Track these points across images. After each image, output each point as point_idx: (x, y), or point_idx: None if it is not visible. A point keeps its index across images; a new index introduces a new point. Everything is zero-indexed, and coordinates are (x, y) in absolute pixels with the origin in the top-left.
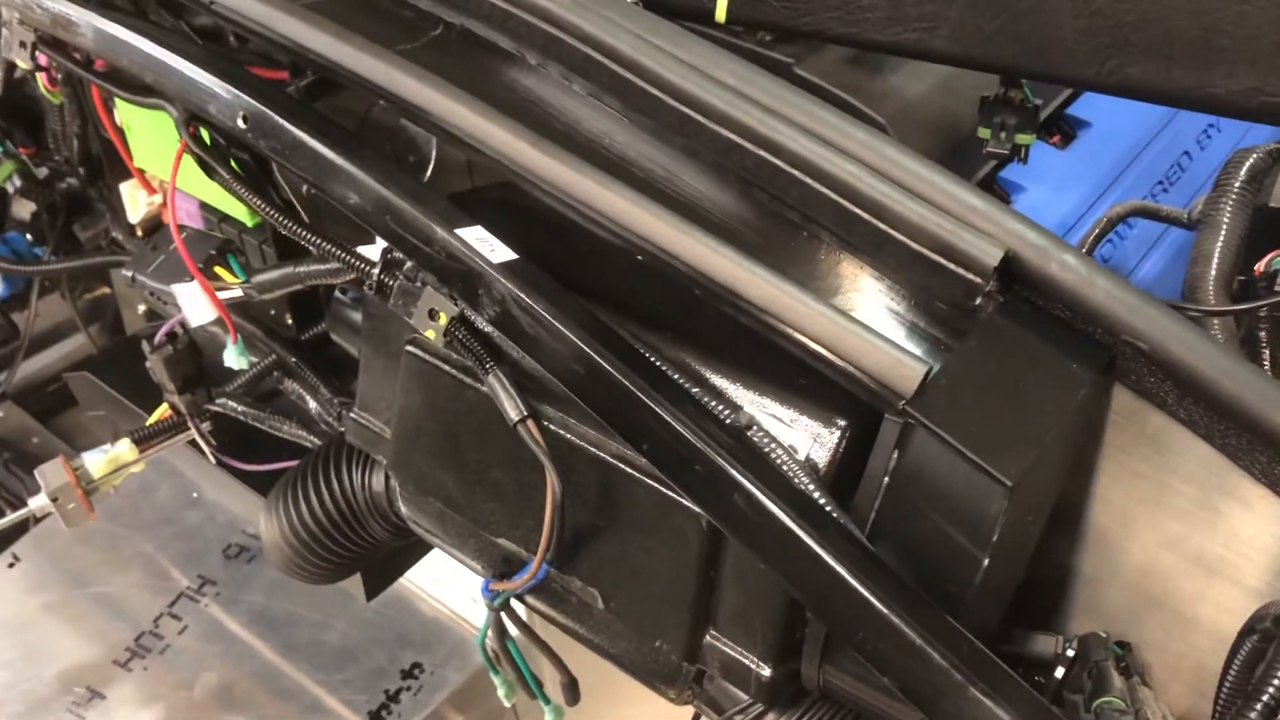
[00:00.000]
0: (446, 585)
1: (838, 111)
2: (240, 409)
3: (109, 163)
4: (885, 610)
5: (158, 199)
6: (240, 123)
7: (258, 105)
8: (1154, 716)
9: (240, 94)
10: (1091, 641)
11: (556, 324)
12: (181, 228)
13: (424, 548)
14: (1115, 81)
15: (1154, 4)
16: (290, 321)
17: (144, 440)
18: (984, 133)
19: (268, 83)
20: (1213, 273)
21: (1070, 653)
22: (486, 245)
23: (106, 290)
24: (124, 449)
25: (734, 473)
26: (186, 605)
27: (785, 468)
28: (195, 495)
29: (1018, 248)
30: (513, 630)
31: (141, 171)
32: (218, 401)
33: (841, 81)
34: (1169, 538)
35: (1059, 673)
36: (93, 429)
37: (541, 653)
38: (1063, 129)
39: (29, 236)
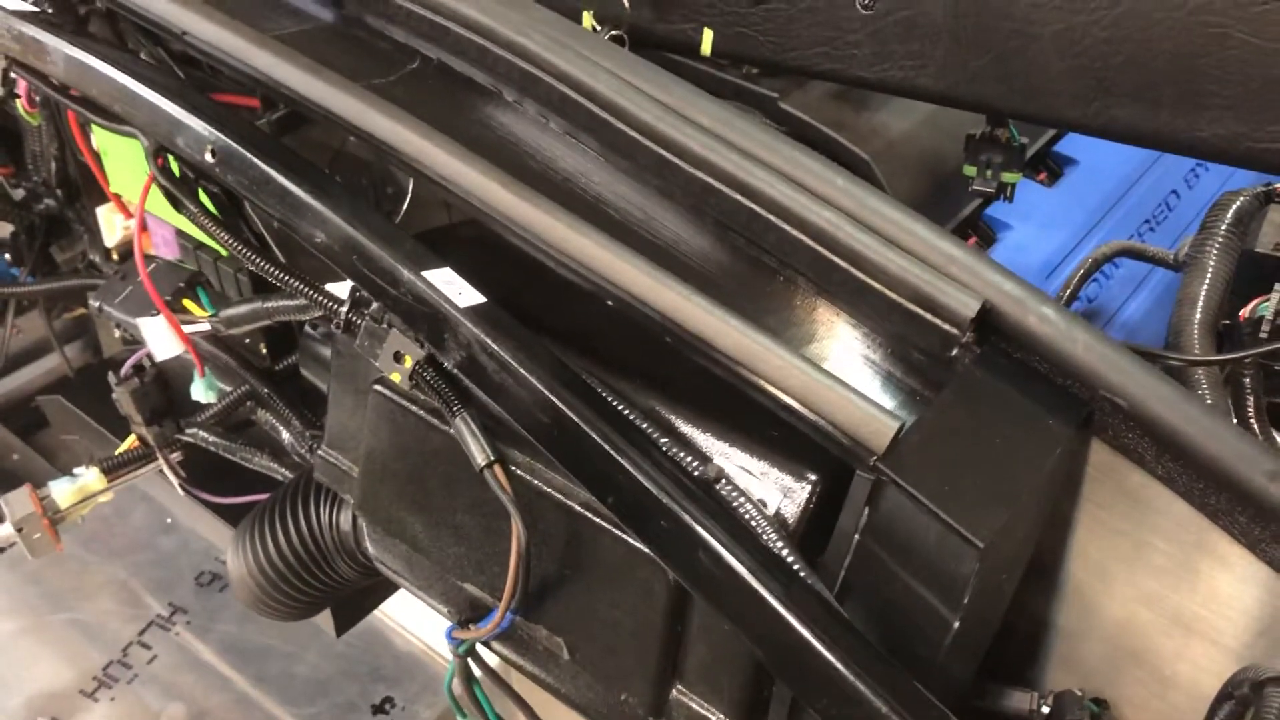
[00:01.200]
0: (420, 618)
1: (818, 156)
2: (212, 440)
3: (86, 186)
4: (850, 676)
5: (133, 223)
6: (208, 156)
7: (226, 139)
8: None
9: (208, 127)
10: (1067, 700)
11: (522, 371)
12: (153, 258)
13: (393, 585)
14: (1100, 123)
15: (1140, 48)
16: (265, 351)
17: (112, 470)
18: (970, 170)
19: (237, 117)
20: (1198, 317)
21: (1045, 709)
22: (454, 288)
23: (85, 311)
24: (92, 478)
25: (699, 529)
26: (157, 634)
27: (753, 523)
28: (169, 521)
29: (996, 299)
30: (480, 674)
31: (118, 196)
32: (189, 432)
33: (826, 117)
34: (1147, 595)
35: None
36: (73, 447)
37: (509, 699)
38: (1049, 167)
39: (8, 257)
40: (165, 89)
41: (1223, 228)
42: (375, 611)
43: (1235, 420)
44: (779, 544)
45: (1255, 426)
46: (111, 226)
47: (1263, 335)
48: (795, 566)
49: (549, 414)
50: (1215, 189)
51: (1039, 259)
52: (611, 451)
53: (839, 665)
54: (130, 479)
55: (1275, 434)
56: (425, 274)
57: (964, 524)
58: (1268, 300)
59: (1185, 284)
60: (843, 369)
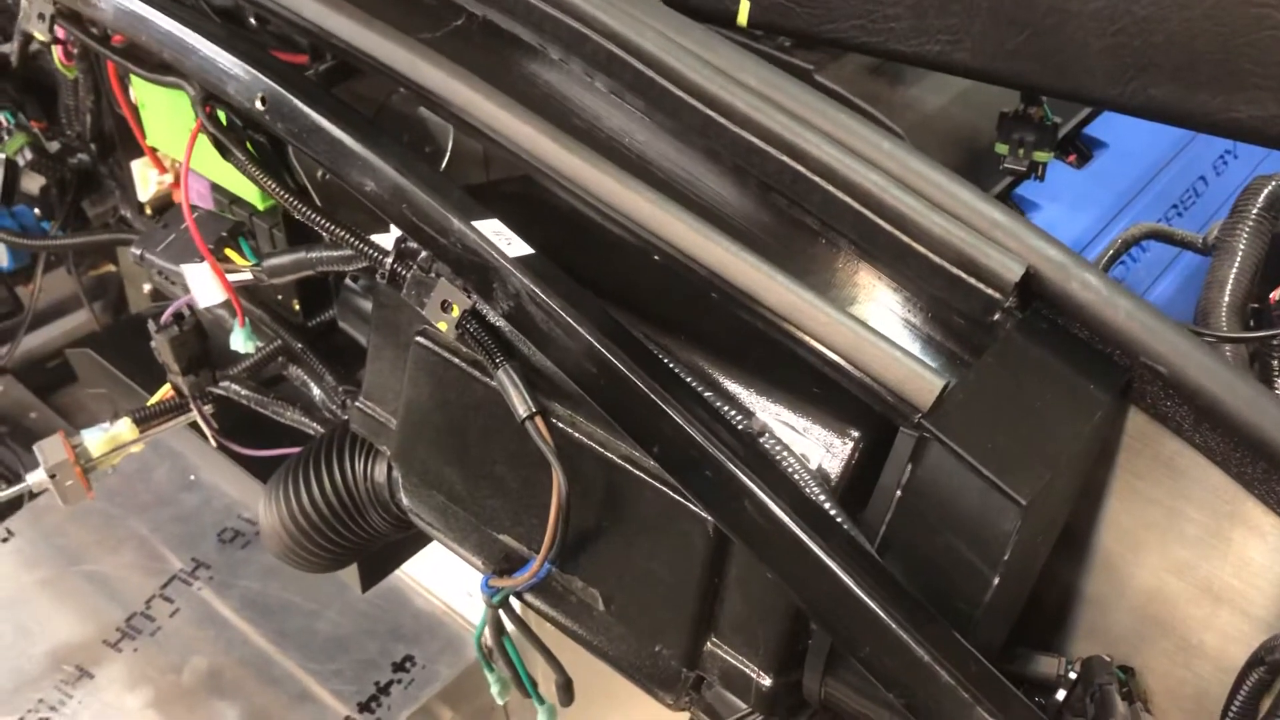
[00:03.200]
0: (442, 579)
1: (862, 119)
2: (244, 393)
3: (121, 140)
4: (893, 625)
5: (168, 178)
6: (259, 104)
7: (277, 87)
8: None
9: (259, 75)
10: (1096, 665)
11: (571, 321)
12: (193, 208)
13: (421, 540)
14: (1138, 102)
15: (1179, 26)
16: (298, 307)
17: (144, 420)
18: (1001, 148)
19: (287, 65)
20: (1226, 299)
21: (1073, 675)
22: (503, 239)
23: (112, 268)
24: (124, 428)
25: (744, 479)
26: (179, 588)
27: (796, 476)
28: (193, 478)
29: (1038, 264)
30: (509, 628)
31: (154, 150)
32: (221, 385)
33: (861, 90)
34: (1177, 564)
35: (1060, 694)
36: (91, 406)
37: (538, 652)
38: (1079, 148)
39: (37, 211)
40: (217, 37)
41: (1254, 211)
42: (397, 572)
43: None
44: (822, 498)
45: None
46: (145, 181)
47: None
48: (838, 519)
49: (597, 364)
50: (1244, 175)
51: (1067, 239)
52: (659, 402)
53: (882, 615)
54: (162, 430)
55: None
56: (474, 224)
57: (1007, 481)
58: None
59: (1214, 267)
60: (886, 330)
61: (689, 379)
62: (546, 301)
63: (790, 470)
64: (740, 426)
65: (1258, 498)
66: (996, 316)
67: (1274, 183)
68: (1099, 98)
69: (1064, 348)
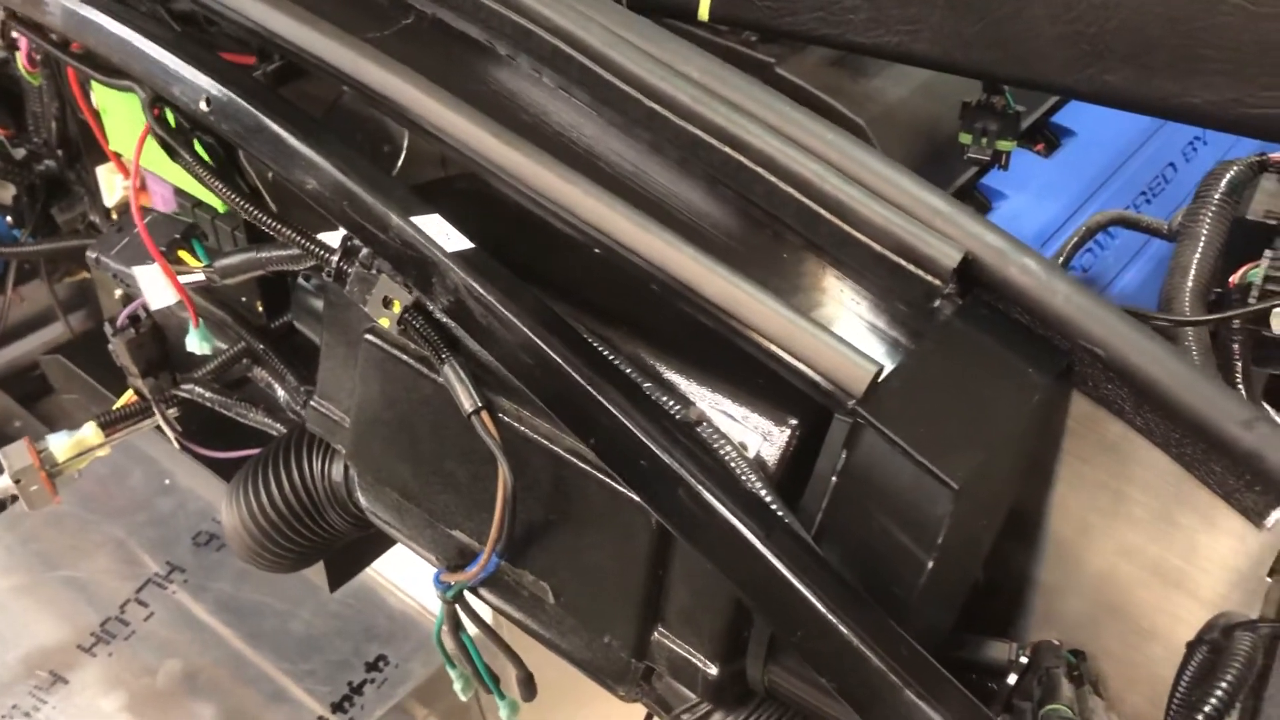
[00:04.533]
0: (415, 579)
1: (805, 110)
2: (208, 395)
3: (86, 146)
4: (824, 610)
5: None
6: (204, 105)
7: (220, 88)
8: None
9: (204, 77)
10: (1044, 649)
11: (507, 313)
12: (150, 210)
13: (389, 540)
14: (1094, 89)
15: (1134, 12)
16: (261, 309)
17: (110, 425)
18: (965, 138)
19: (232, 66)
20: (1189, 284)
21: (1024, 660)
22: (442, 234)
23: (87, 275)
24: (89, 433)
25: (678, 468)
26: (154, 592)
27: (732, 464)
28: (168, 482)
29: (977, 250)
30: (471, 625)
31: (118, 155)
32: (184, 387)
33: (823, 83)
34: (1127, 547)
35: (1012, 679)
36: (75, 414)
37: (497, 647)
38: (1047, 137)
39: (9, 219)
40: (162, 40)
41: (1216, 196)
42: (370, 571)
43: None
44: (757, 485)
45: (1241, 391)
46: (111, 186)
47: (1252, 301)
48: (773, 506)
49: (533, 356)
50: (1213, 162)
51: (1033, 228)
52: (594, 392)
53: (813, 599)
54: (127, 434)
55: (1265, 405)
56: (414, 219)
57: (939, 466)
58: (1257, 267)
59: (1178, 252)
60: (828, 319)
61: (628, 370)
62: (484, 295)
63: (727, 458)
64: (678, 416)
65: (1199, 479)
66: (937, 303)
67: (1236, 168)
68: (1057, 85)
69: (1002, 332)
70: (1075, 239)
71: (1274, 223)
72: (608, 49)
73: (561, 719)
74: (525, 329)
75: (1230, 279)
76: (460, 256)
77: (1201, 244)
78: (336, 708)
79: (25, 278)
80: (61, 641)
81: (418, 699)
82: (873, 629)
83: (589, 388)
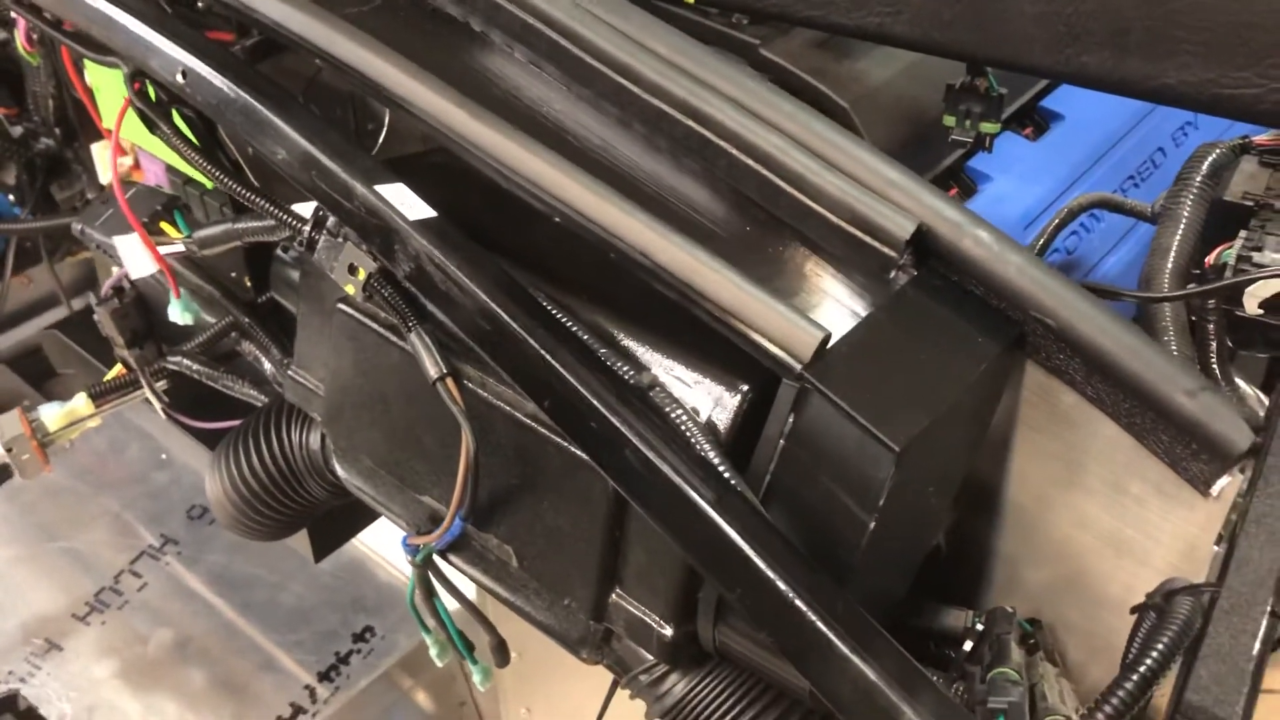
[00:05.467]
0: (403, 552)
1: (768, 85)
2: (195, 367)
3: (82, 124)
4: (763, 565)
5: (128, 160)
6: (179, 78)
7: (195, 61)
8: (1050, 691)
9: (180, 49)
10: (998, 615)
11: (465, 279)
12: (131, 184)
13: (373, 511)
14: (1072, 70)
15: None
16: (249, 283)
17: (100, 396)
18: (949, 120)
19: (208, 40)
20: (1169, 265)
21: (980, 627)
22: (405, 202)
23: (89, 255)
24: (80, 403)
25: (626, 430)
26: (148, 563)
27: (684, 428)
28: (164, 456)
29: (932, 222)
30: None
31: (111, 132)
32: (172, 360)
33: (807, 64)
34: (1082, 517)
35: (968, 645)
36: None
37: (468, 612)
38: (1035, 120)
39: (11, 197)
40: (141, 14)
41: (1197, 179)
42: (358, 543)
43: (1198, 364)
44: (706, 448)
45: (1216, 369)
46: (105, 163)
47: (1226, 280)
48: (720, 468)
49: (489, 321)
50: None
51: (1018, 210)
52: (547, 356)
53: (752, 554)
54: (117, 405)
55: (1239, 381)
56: (378, 188)
57: (881, 429)
58: (1231, 247)
59: (1159, 234)
60: (787, 289)
61: (585, 336)
62: (442, 261)
63: (679, 422)
64: (631, 380)
65: (1149, 449)
66: (892, 274)
67: (1218, 150)
68: (1036, 66)
69: (956, 303)
70: (1056, 221)
71: (1250, 204)
72: (575, 24)
73: (548, 686)
74: (481, 293)
75: (1206, 260)
76: (421, 224)
77: (1182, 225)
78: (323, 677)
79: (33, 259)
80: (57, 610)
81: (404, 669)
82: (809, 585)
83: (542, 351)
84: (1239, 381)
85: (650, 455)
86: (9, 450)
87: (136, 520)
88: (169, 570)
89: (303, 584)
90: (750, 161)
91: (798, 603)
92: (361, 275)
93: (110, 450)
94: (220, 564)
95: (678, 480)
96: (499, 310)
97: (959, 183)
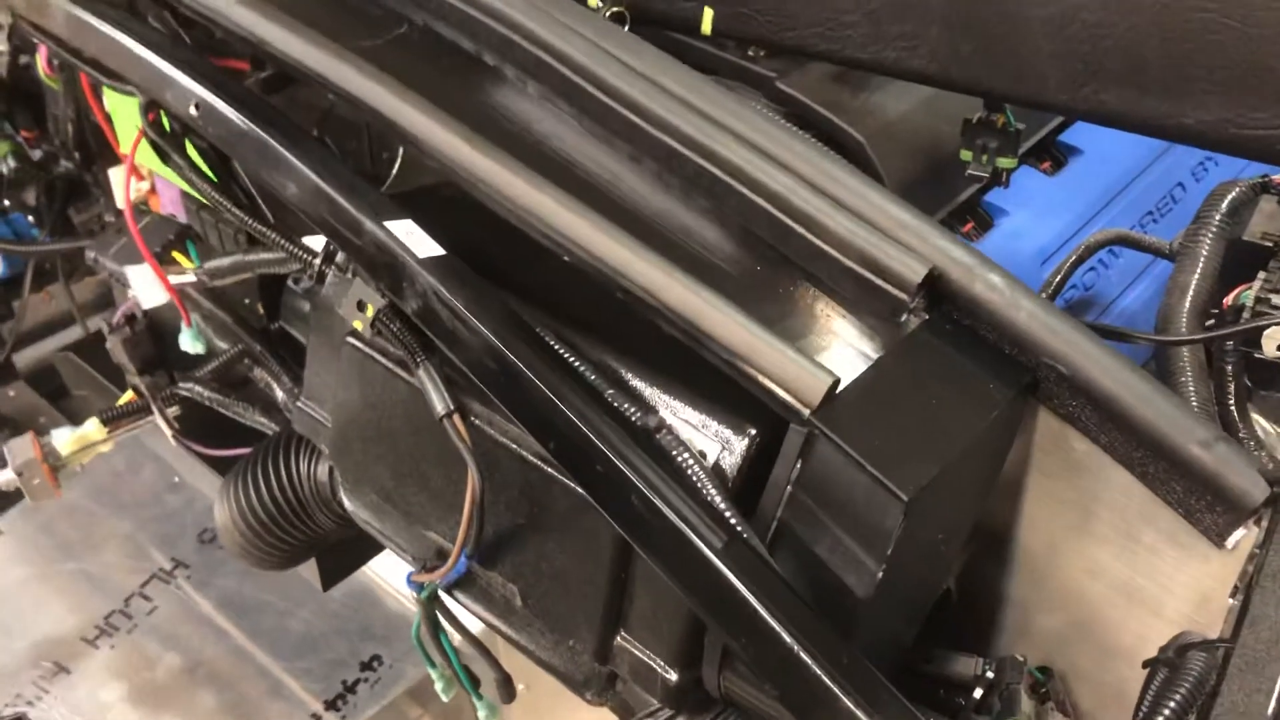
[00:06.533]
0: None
1: (780, 123)
2: (206, 394)
3: (100, 148)
4: (767, 617)
5: (145, 185)
6: (193, 110)
7: (209, 94)
8: None
9: (194, 82)
10: (1008, 664)
11: (472, 318)
12: (145, 211)
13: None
14: (1089, 107)
15: (1128, 31)
16: (262, 311)
17: (112, 420)
18: (966, 155)
19: (222, 72)
20: (1187, 304)
21: (990, 674)
22: (414, 239)
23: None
24: (92, 428)
25: (631, 474)
26: (158, 586)
27: (690, 471)
28: (177, 480)
29: (944, 265)
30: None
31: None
32: (184, 386)
33: (823, 98)
34: (1094, 565)
35: (978, 693)
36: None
37: (473, 648)
38: (1054, 155)
39: (31, 219)
40: (156, 46)
41: (1216, 217)
42: (368, 572)
43: (1216, 405)
44: (713, 492)
45: (1234, 411)
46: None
47: (1244, 321)
48: (726, 514)
49: (496, 360)
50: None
51: (1035, 246)
52: (553, 397)
53: (757, 606)
54: (129, 430)
55: (1260, 419)
56: (387, 224)
57: (890, 477)
58: (1250, 288)
59: (1176, 272)
60: (796, 331)
61: (592, 376)
62: (450, 299)
63: (685, 465)
64: (638, 422)
65: (1161, 498)
66: (903, 317)
67: (1238, 189)
68: (1054, 103)
69: (967, 348)
70: (1074, 257)
71: (1270, 244)
72: (588, 60)
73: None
74: (488, 333)
75: (1224, 300)
76: (429, 261)
77: (1201, 264)
78: (330, 705)
79: (52, 277)
80: (67, 632)
81: (413, 699)
82: (815, 637)
83: (548, 392)
84: (1259, 419)
85: (656, 501)
86: (20, 474)
87: (148, 542)
88: (179, 594)
89: (312, 611)
90: (760, 201)
91: (803, 656)
92: (370, 312)
93: (126, 472)
94: (230, 589)
95: (683, 527)
96: (505, 350)
97: (975, 217)
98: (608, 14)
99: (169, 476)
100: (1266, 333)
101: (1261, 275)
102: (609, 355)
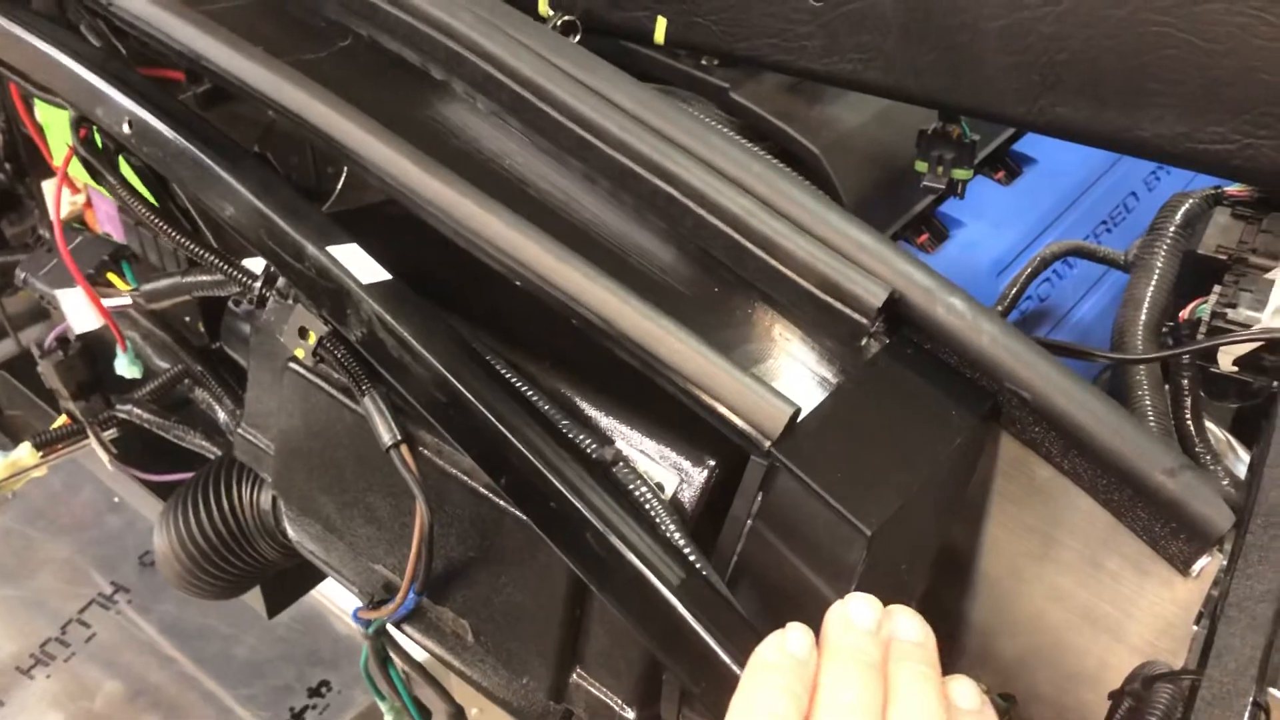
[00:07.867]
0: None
1: (736, 142)
2: (145, 416)
3: (33, 160)
4: (729, 661)
5: (80, 198)
6: (126, 128)
7: (142, 111)
8: None
9: (126, 99)
10: None
11: (418, 346)
12: (79, 229)
13: None
14: (1046, 120)
15: (1085, 44)
16: (202, 329)
17: (46, 444)
18: (921, 166)
19: (158, 87)
20: (1143, 318)
21: None
22: (358, 264)
23: None
24: (24, 453)
25: (586, 511)
26: (97, 612)
27: (648, 505)
28: (116, 500)
29: (904, 288)
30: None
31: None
32: (122, 408)
33: (778, 109)
34: (1057, 592)
35: None
36: (36, 426)
37: (424, 681)
38: (1008, 165)
39: None
40: (87, 59)
41: (1171, 229)
42: (315, 595)
43: (1173, 420)
44: (671, 528)
45: (1191, 426)
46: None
47: (1200, 336)
48: (685, 549)
49: (444, 391)
50: (1174, 192)
51: (990, 257)
52: (503, 430)
53: (717, 649)
54: (64, 455)
55: (1214, 428)
56: (330, 249)
57: (853, 511)
58: (1206, 302)
59: (1131, 285)
60: (755, 356)
61: (546, 406)
62: (395, 327)
63: (642, 499)
64: (594, 455)
65: (1126, 525)
66: (863, 341)
67: (1191, 200)
68: (1010, 116)
69: (929, 373)
70: (1029, 269)
71: (1224, 258)
72: (538, 76)
73: None
74: (436, 362)
75: (1180, 314)
76: (373, 288)
77: (1155, 277)
78: None
79: None
80: (1, 663)
81: None
82: None
83: (499, 425)
84: (1211, 428)
85: (611, 538)
86: None
87: (88, 566)
88: (119, 620)
89: (257, 636)
90: (717, 222)
91: None
92: (312, 340)
93: (63, 493)
94: (172, 614)
95: (639, 565)
96: (454, 380)
97: (931, 229)
98: (559, 22)
99: (109, 496)
100: (1223, 348)
101: (1217, 289)
102: (563, 384)
